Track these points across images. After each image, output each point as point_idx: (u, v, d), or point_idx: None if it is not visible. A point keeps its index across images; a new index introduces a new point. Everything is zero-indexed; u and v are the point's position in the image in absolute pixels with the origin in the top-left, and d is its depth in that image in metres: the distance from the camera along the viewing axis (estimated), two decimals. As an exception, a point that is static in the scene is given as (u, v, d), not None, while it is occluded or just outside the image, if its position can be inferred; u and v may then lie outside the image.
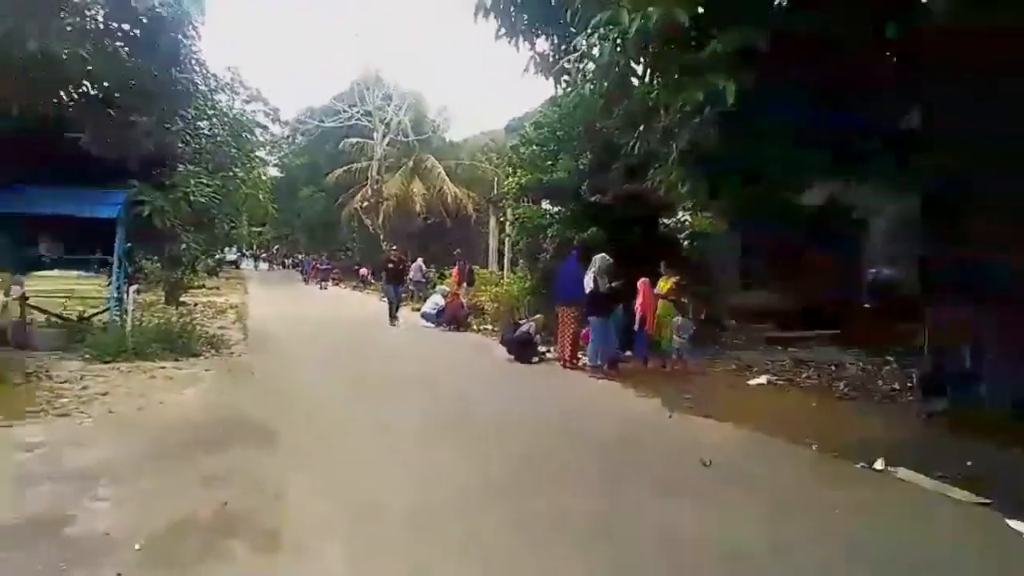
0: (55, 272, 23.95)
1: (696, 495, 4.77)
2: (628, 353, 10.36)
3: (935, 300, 8.31)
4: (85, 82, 10.11)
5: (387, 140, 32.75)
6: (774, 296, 16.60)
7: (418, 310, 18.98)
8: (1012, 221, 6.20)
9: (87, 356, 8.71)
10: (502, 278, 20.84)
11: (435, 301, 16.05)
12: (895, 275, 14.50)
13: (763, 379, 9.37)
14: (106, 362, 8.52)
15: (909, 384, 8.73)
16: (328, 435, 5.94)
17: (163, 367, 8.59)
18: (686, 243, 14.22)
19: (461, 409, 7.23)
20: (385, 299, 16.94)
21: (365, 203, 32.75)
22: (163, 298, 18.43)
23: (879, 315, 13.38)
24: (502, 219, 21.67)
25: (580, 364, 10.28)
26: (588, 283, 9.64)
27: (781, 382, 9.33)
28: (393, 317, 15.67)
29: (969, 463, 5.38)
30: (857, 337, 12.65)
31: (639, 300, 9.95)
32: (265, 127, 19.16)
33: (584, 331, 10.52)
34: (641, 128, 7.24)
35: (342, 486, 4.62)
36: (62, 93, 9.90)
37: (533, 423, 6.79)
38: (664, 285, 10.29)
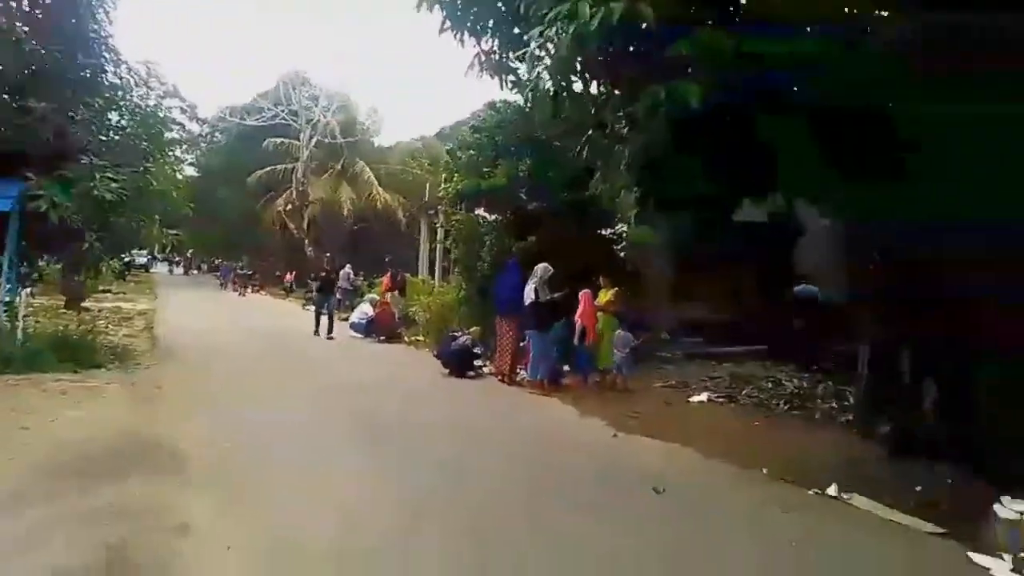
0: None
1: (648, 525, 4.45)
2: (567, 368, 10.03)
3: (871, 318, 8.37)
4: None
5: (314, 141, 31.57)
6: (705, 309, 16.82)
7: (346, 319, 18.20)
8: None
9: (-34, 368, 7.63)
10: (435, 287, 20.26)
11: (363, 310, 15.35)
12: (819, 290, 14.84)
13: (704, 396, 9.23)
14: (-10, 375, 7.48)
15: (845, 403, 8.79)
16: (240, 459, 5.28)
17: (58, 380, 7.63)
18: (621, 254, 14.07)
19: (390, 428, 6.71)
20: (312, 308, 16.13)
21: (289, 206, 31.43)
22: (64, 303, 16.98)
23: (807, 331, 13.62)
24: (437, 225, 21.13)
25: (519, 379, 9.88)
26: (529, 294, 9.27)
27: (721, 399, 9.22)
28: (319, 328, 14.83)
29: (918, 488, 5.29)
30: (787, 352, 12.83)
31: (579, 312, 9.64)
32: (182, 124, 17.87)
33: (523, 344, 10.18)
34: (590, 132, 6.89)
35: (252, 520, 4.04)
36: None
37: (471, 443, 6.36)
38: (604, 297, 10.02)
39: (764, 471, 5.82)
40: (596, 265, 11.63)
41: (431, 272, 27.14)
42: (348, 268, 23.05)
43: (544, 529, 4.24)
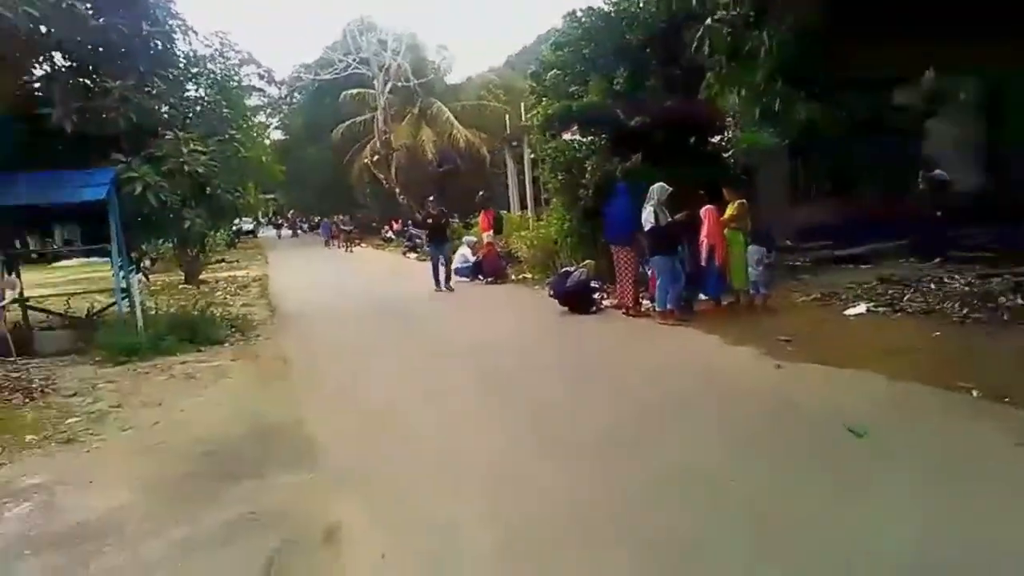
0: (73, 262, 23.44)
1: (869, 481, 3.66)
2: (698, 294, 9.18)
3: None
4: (38, 46, 8.82)
5: (389, 87, 30.95)
6: (829, 209, 15.31)
7: (424, 259, 17.90)
8: None
9: (98, 359, 7.74)
10: (532, 221, 19.56)
11: (463, 254, 14.90)
12: (952, 176, 13.05)
13: (861, 308, 8.16)
14: (120, 363, 7.53)
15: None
16: (379, 442, 4.86)
17: (183, 362, 7.59)
18: (731, 161, 12.73)
19: (537, 387, 5.99)
20: (414, 255, 15.62)
21: (375, 156, 31.25)
22: (183, 278, 17.66)
23: (945, 219, 12.03)
24: (527, 155, 20.16)
25: (644, 310, 9.14)
26: (648, 218, 8.39)
27: (882, 309, 8.13)
28: (439, 281, 13.33)
29: None
30: (930, 246, 11.35)
31: (705, 231, 8.69)
32: (261, 90, 17.76)
33: (644, 272, 9.41)
34: (708, 22, 5.83)
35: (405, 519, 3.57)
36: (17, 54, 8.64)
37: (626, 391, 5.70)
38: (729, 211, 8.99)
39: (974, 393, 4.88)
40: (710, 177, 10.55)
41: (522, 206, 26.42)
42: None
43: (749, 498, 3.54)
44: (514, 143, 27.40)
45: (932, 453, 3.99)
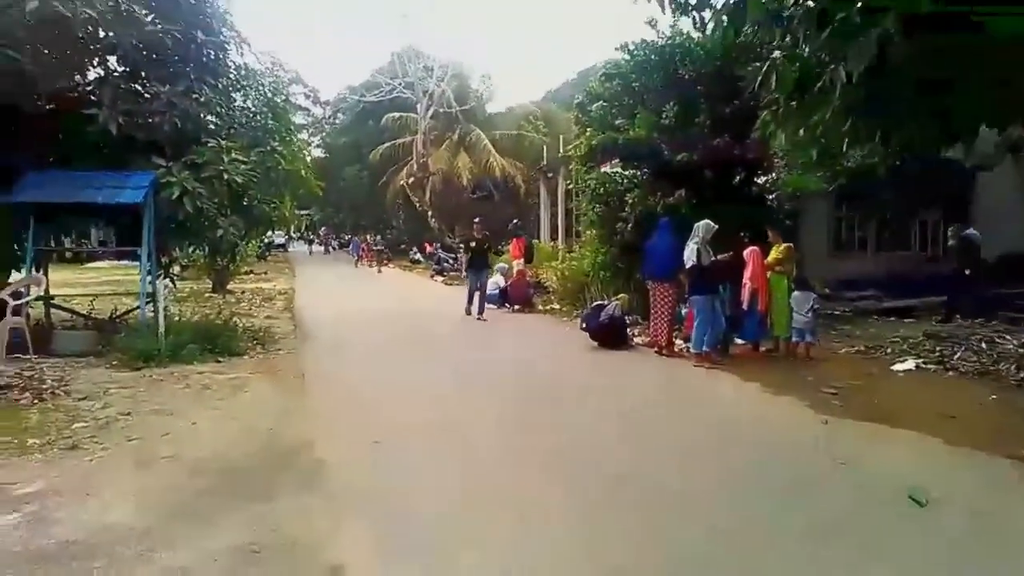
0: (106, 263, 23.69)
1: (935, 559, 3.26)
2: (738, 339, 8.81)
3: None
4: (93, 47, 8.90)
5: (431, 112, 31.23)
6: (870, 260, 14.88)
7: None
8: None
9: (115, 362, 7.58)
10: (563, 252, 19.30)
11: (495, 281, 14.65)
12: (994, 235, 12.52)
13: (910, 364, 7.72)
14: (136, 369, 7.36)
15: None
16: (393, 469, 4.55)
17: (200, 372, 7.39)
18: (775, 204, 12.37)
19: (559, 429, 5.58)
20: (453, 283, 15.16)
21: (411, 179, 31.40)
22: (211, 286, 17.71)
23: (978, 278, 11.55)
24: (564, 186, 19.94)
25: (678, 350, 8.77)
26: (690, 255, 8.07)
27: (932, 366, 7.67)
28: (471, 307, 12.75)
29: None
30: (982, 305, 10.85)
31: (748, 272, 8.34)
32: (307, 109, 18.03)
33: (681, 312, 9.09)
34: (774, 58, 5.55)
35: (417, 558, 3.26)
36: (73, 54, 8.72)
37: (665, 439, 5.26)
38: (776, 254, 8.65)
39: (1044, 466, 4.45)
40: (752, 219, 10.23)
41: (552, 237, 26.24)
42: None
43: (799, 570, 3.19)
44: (549, 174, 27.37)
45: (988, 521, 3.60)
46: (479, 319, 12.53)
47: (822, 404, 6.19)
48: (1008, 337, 8.91)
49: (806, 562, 3.26)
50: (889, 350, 8.64)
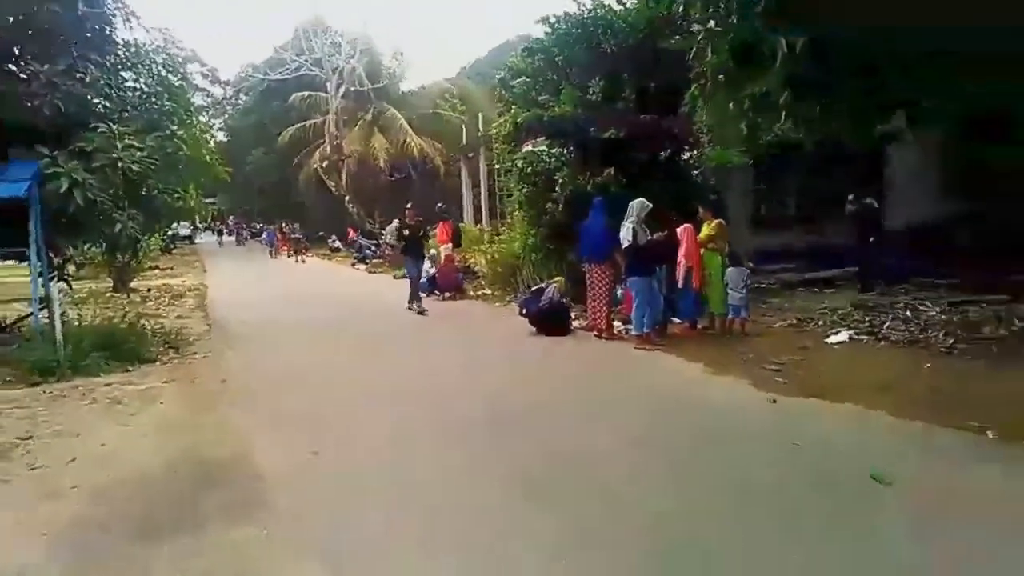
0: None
1: (912, 540, 3.20)
2: (674, 318, 8.77)
3: None
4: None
5: (342, 91, 30.00)
6: (790, 232, 15.31)
7: (402, 277, 17.12)
8: None
9: (8, 378, 6.70)
10: (489, 234, 18.98)
11: (424, 268, 14.14)
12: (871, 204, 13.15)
13: (843, 335, 7.87)
14: (33, 384, 6.54)
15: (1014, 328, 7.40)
16: (335, 487, 4.14)
17: (107, 384, 6.64)
18: (700, 180, 12.46)
19: (512, 419, 5.32)
20: (379, 272, 14.30)
21: (325, 162, 30.17)
22: (112, 285, 16.33)
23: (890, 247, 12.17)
24: (496, 165, 19.47)
25: (617, 332, 8.65)
26: (626, 235, 7.92)
27: (864, 337, 7.85)
28: (415, 300, 11.87)
29: None
30: (896, 274, 11.36)
31: (683, 251, 8.28)
32: (205, 90, 16.71)
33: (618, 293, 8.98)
34: (713, 24, 5.38)
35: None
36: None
37: (628, 430, 5.03)
38: (708, 230, 8.63)
39: (990, 434, 4.53)
40: (680, 195, 10.24)
41: (477, 219, 25.87)
42: (396, 223, 21.90)
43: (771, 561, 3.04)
44: (470, 154, 26.90)
45: (953, 499, 3.61)
46: (421, 313, 11.60)
47: (766, 381, 6.18)
48: (929, 304, 9.24)
49: (789, 561, 3.11)
50: (820, 322, 8.81)
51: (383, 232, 24.41)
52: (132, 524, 3.55)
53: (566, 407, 5.73)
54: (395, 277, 18.15)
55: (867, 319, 8.64)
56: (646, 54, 10.26)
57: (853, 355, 7.19)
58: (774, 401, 5.60)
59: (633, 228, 7.87)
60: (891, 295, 10.24)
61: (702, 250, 8.48)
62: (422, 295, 12.80)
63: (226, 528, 3.49)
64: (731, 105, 7.47)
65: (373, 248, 24.51)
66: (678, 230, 8.41)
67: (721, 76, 6.71)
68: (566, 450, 4.57)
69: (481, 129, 25.79)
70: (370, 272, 21.09)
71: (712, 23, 5.41)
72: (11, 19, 8.16)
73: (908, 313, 8.82)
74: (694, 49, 5.60)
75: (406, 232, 12.40)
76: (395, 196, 31.08)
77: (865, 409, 5.26)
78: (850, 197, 12.74)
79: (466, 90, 36.15)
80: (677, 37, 10.18)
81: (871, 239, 11.82)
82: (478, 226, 22.53)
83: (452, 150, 30.01)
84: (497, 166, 17.93)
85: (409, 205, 13.23)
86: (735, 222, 13.72)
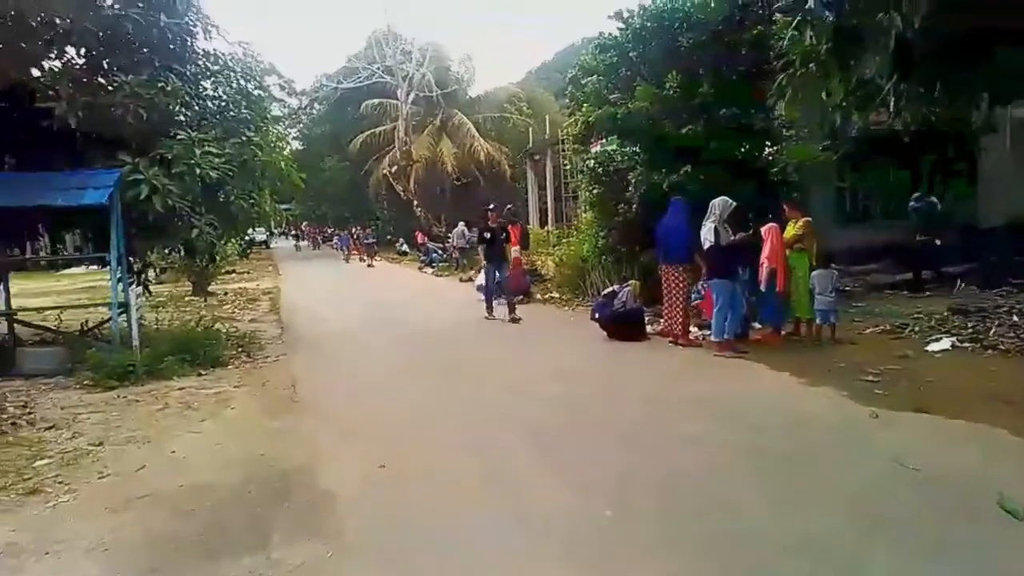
0: (81, 269, 22.73)
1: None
2: (755, 323, 8.29)
3: None
4: (50, 36, 8.14)
5: (411, 97, 30.36)
6: (876, 232, 14.38)
7: (467, 280, 17.08)
8: None
9: (86, 382, 6.87)
10: (555, 236, 18.71)
11: (504, 274, 13.95)
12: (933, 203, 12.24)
13: (946, 343, 7.22)
14: (110, 388, 6.67)
15: None
16: (406, 505, 3.95)
17: (180, 388, 6.72)
18: (779, 176, 11.79)
19: (601, 444, 4.89)
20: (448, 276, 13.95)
21: (394, 167, 30.59)
22: (192, 289, 16.93)
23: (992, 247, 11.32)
24: (566, 166, 19.16)
25: (694, 338, 8.22)
26: (707, 235, 7.50)
27: (967, 344, 7.18)
28: (492, 306, 11.33)
29: None
30: (993, 275, 10.51)
31: (766, 252, 7.79)
32: (282, 101, 17.13)
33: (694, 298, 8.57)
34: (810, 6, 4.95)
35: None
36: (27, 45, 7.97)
37: (715, 445, 4.65)
38: (793, 230, 8.11)
39: None
40: (763, 194, 9.73)
41: (542, 222, 25.65)
42: (463, 225, 21.95)
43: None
44: (536, 157, 26.71)
45: None
46: (511, 320, 10.81)
47: (864, 394, 5.67)
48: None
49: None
50: (916, 328, 8.15)
51: (449, 236, 24.49)
52: (195, 539, 3.44)
53: (656, 423, 5.30)
54: (460, 280, 18.13)
55: (969, 325, 7.92)
56: (724, 46, 9.77)
57: (959, 365, 6.55)
58: (876, 416, 5.10)
59: (715, 228, 7.44)
60: (989, 298, 9.42)
61: (788, 251, 7.97)
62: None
63: (291, 546, 3.33)
64: (824, 94, 7.01)
65: (439, 251, 24.61)
66: (762, 230, 7.93)
67: (812, 65, 6.28)
68: (666, 472, 4.21)
69: (548, 131, 25.58)
70: (436, 275, 21.14)
71: (810, 2, 4.97)
72: (101, 34, 8.45)
73: (1016, 318, 8.04)
74: (787, 35, 5.16)
75: (487, 235, 11.55)
76: (461, 200, 31.26)
77: (986, 427, 4.71)
78: (915, 195, 12.06)
79: (533, 93, 36.11)
80: (759, 27, 9.70)
81: (933, 240, 11.31)
82: (544, 229, 22.28)
83: (518, 153, 29.94)
84: (567, 166, 17.61)
85: (491, 207, 12.42)
86: (817, 221, 13.00)
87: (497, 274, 11.35)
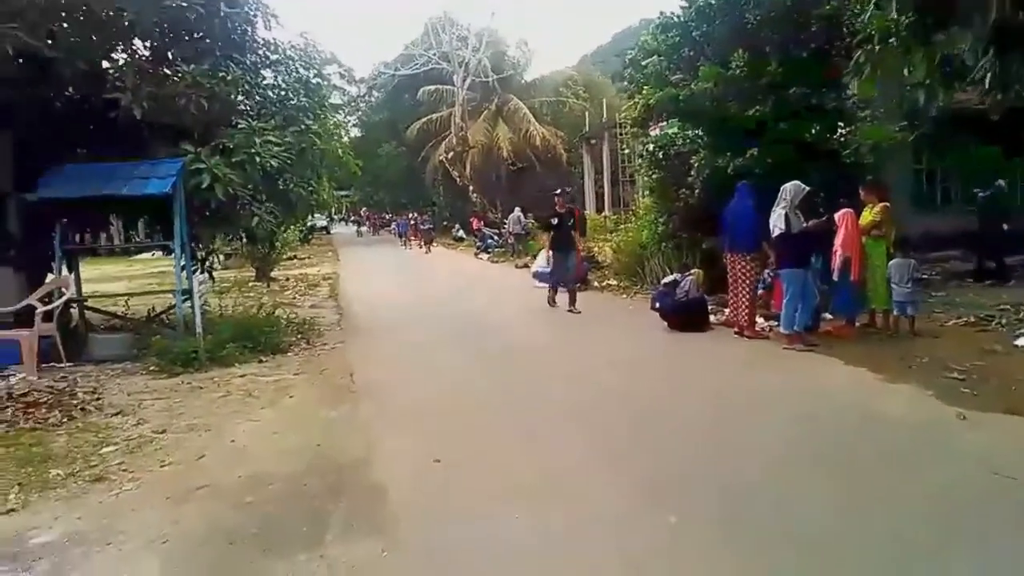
0: (149, 255, 23.62)
1: None
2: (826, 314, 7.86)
3: None
4: (117, 29, 8.32)
5: (467, 83, 30.27)
6: (955, 217, 13.51)
7: (524, 267, 16.92)
8: None
9: (152, 368, 7.05)
10: (612, 222, 18.35)
11: (547, 256, 13.79)
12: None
13: (1037, 337, 6.67)
14: (175, 374, 6.82)
15: None
16: (466, 498, 3.85)
17: (242, 375, 6.80)
18: (851, 160, 11.12)
19: (666, 447, 4.56)
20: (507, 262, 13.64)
21: (450, 153, 30.60)
22: (255, 275, 17.36)
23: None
24: (624, 150, 18.78)
25: (760, 330, 7.86)
26: (777, 222, 7.12)
27: (1059, 339, 6.62)
28: (555, 296, 10.91)
29: None
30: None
31: (840, 239, 7.36)
32: (342, 89, 17.29)
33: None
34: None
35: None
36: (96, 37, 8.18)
37: (794, 447, 4.39)
38: (870, 216, 7.62)
39: None
40: (837, 177, 9.19)
41: (598, 207, 25.25)
42: (518, 211, 21.80)
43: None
44: (592, 141, 26.27)
45: None
46: (570, 311, 10.39)
47: (950, 392, 5.26)
48: None
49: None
50: (1003, 320, 7.59)
51: (504, 221, 24.36)
52: (252, 533, 3.41)
53: (721, 419, 5.05)
54: (516, 266, 18.01)
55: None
56: (793, 23, 9.26)
57: (1053, 361, 6.04)
58: (964, 417, 4.71)
59: (786, 215, 7.05)
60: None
61: (864, 238, 7.51)
62: (545, 285, 12.26)
63: (345, 543, 3.26)
64: (906, 71, 6.54)
65: (495, 237, 24.52)
66: (836, 216, 7.50)
67: (892, 40, 5.84)
68: (731, 474, 3.98)
69: (604, 115, 25.10)
70: (492, 261, 21.07)
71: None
72: (165, 25, 8.60)
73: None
74: (868, 8, 4.77)
75: (554, 221, 10.97)
76: (516, 185, 31.09)
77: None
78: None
79: (589, 77, 35.54)
80: (832, 2, 9.15)
81: (1003, 226, 10.66)
82: (601, 214, 21.92)
83: (574, 137, 29.55)
84: (626, 150, 17.20)
85: (559, 192, 11.81)
86: (893, 205, 12.27)
87: (567, 264, 10.74)
